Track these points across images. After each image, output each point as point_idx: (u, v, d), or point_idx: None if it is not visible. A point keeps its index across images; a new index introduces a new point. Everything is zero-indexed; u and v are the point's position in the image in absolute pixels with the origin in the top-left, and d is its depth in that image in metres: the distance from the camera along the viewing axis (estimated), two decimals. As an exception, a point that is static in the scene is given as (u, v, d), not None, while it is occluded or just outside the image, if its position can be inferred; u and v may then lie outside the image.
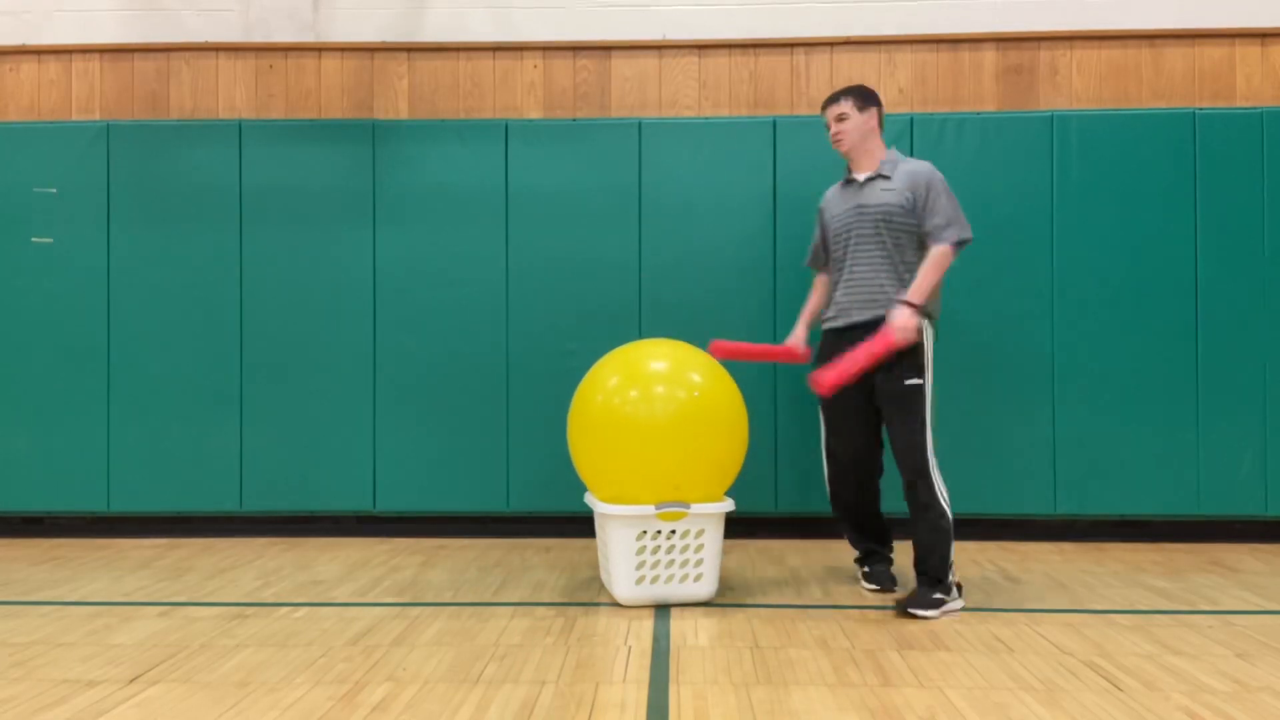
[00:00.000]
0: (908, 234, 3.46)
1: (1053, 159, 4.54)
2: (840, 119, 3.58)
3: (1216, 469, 4.45)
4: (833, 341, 3.56)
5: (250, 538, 4.67)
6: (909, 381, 3.37)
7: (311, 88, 4.95)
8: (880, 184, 3.51)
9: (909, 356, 3.38)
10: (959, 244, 3.41)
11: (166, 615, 3.28)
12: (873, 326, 3.40)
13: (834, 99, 3.62)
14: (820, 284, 3.81)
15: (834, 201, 3.68)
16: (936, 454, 3.35)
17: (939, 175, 3.46)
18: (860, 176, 3.57)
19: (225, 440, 4.66)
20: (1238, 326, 4.46)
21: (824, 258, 3.77)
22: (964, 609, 3.33)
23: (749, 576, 3.84)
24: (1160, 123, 4.53)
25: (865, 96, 3.59)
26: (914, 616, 3.23)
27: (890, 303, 3.40)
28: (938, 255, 3.39)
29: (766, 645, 2.92)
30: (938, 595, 3.27)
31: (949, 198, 3.43)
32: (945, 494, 3.34)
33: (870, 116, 3.57)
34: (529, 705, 2.41)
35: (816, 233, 3.80)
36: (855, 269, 3.52)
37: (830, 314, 3.63)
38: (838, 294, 3.58)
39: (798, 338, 3.78)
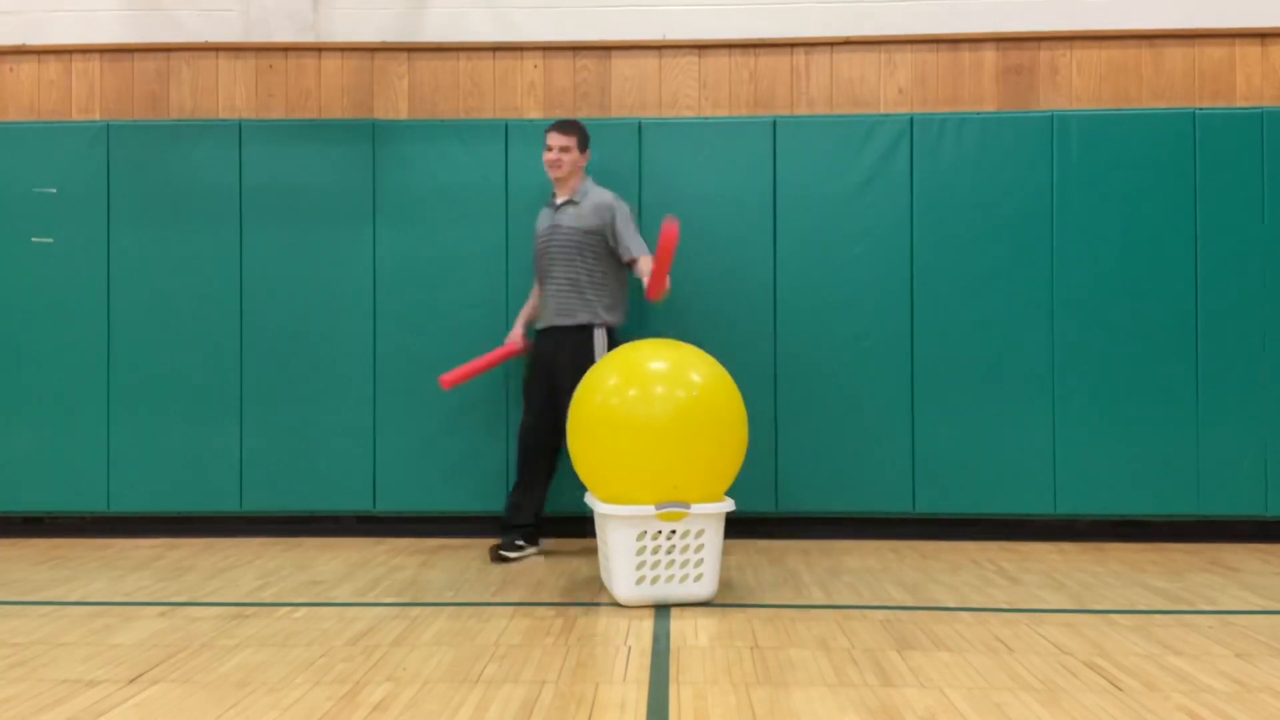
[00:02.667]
0: (594, 251, 4.10)
1: (1053, 159, 4.54)
2: (564, 150, 4.16)
3: (1216, 469, 4.44)
4: (537, 341, 4.27)
5: (250, 538, 4.66)
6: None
7: (311, 88, 4.95)
8: (571, 210, 4.16)
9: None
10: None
11: (166, 615, 3.28)
12: (567, 331, 4.07)
13: (564, 129, 4.18)
14: (536, 291, 4.37)
15: (540, 221, 4.30)
16: None
17: (622, 206, 4.14)
18: (559, 200, 4.23)
19: (225, 440, 4.65)
20: (1238, 326, 4.46)
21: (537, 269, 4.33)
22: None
23: (749, 576, 3.84)
24: (1160, 123, 4.53)
25: (586, 140, 4.24)
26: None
27: (577, 311, 4.06)
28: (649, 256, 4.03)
29: (766, 645, 2.92)
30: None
31: (628, 225, 4.11)
32: None
33: (584, 157, 4.23)
34: (529, 705, 2.41)
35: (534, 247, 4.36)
36: (553, 280, 4.15)
37: (539, 318, 4.27)
38: (544, 301, 4.22)
39: (515, 335, 4.38)
